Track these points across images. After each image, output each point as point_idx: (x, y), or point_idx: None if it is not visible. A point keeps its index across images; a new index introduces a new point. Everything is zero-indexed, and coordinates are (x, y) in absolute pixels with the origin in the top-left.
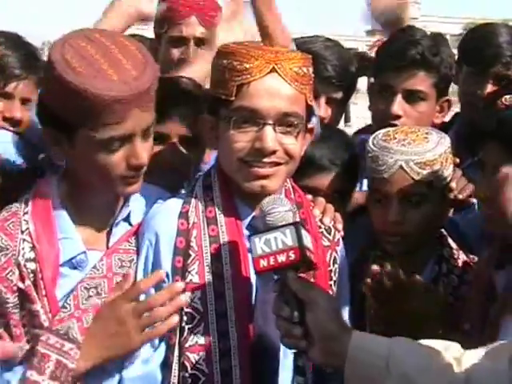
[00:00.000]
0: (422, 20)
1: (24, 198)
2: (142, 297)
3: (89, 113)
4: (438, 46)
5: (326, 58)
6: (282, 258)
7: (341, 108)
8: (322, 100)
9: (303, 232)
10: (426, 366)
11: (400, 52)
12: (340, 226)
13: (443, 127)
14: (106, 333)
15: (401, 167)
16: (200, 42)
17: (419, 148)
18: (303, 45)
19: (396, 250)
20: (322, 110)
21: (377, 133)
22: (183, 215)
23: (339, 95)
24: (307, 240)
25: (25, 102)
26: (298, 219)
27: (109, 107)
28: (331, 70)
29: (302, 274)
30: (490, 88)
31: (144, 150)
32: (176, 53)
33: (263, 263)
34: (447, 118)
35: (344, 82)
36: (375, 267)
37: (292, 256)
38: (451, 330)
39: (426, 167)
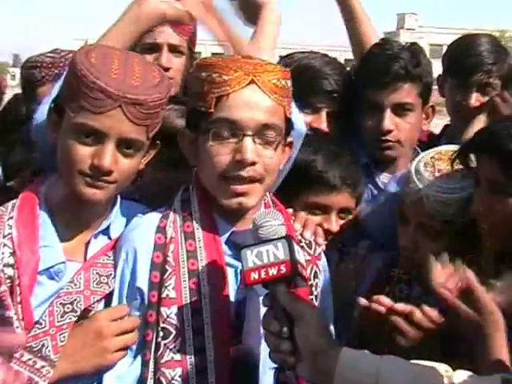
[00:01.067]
0: (418, 31)
1: (11, 203)
2: None
3: (75, 92)
4: (418, 56)
5: (327, 72)
6: (273, 271)
7: (340, 122)
8: (323, 114)
9: (295, 246)
10: (414, 383)
11: (383, 68)
12: (321, 241)
13: (432, 139)
14: (82, 344)
15: (421, 198)
16: (174, 49)
17: (447, 185)
18: (302, 60)
19: (408, 272)
20: (324, 124)
21: (428, 152)
22: (160, 230)
23: (339, 109)
24: (299, 255)
25: None
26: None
27: (91, 93)
28: (334, 83)
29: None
30: (474, 97)
31: (114, 159)
32: (149, 59)
33: (254, 276)
34: (437, 131)
35: (343, 96)
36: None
37: (283, 269)
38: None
39: (445, 206)
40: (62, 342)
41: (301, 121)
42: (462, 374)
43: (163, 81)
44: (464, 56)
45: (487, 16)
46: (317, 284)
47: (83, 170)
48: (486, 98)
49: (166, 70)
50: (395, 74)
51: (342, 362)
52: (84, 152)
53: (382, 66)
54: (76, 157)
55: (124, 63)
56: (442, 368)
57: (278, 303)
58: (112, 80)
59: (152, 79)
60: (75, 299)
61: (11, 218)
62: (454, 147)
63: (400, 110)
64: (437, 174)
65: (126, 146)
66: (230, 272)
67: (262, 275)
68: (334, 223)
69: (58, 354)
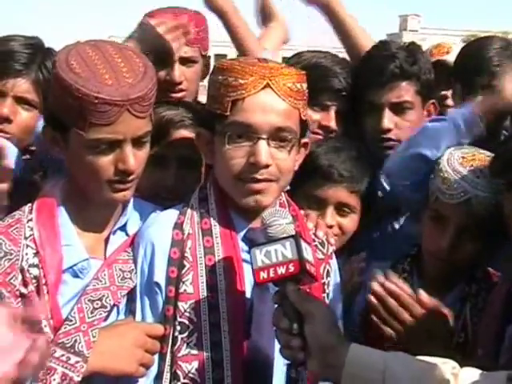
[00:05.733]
0: (421, 32)
1: (27, 205)
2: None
3: (79, 112)
4: (414, 55)
5: (336, 71)
6: (281, 270)
7: (347, 122)
8: (332, 111)
9: (303, 244)
10: (421, 379)
11: (379, 68)
12: (332, 240)
13: None
14: (118, 346)
15: (469, 199)
16: (185, 61)
17: (493, 185)
18: (311, 59)
19: (434, 271)
20: (333, 122)
21: (453, 150)
22: (178, 226)
23: (347, 108)
24: (307, 252)
25: (21, 101)
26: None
27: (97, 108)
28: (343, 82)
29: (302, 287)
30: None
31: (134, 157)
32: (162, 74)
33: (263, 275)
34: None
35: (351, 96)
36: (376, 286)
37: (291, 268)
38: (466, 357)
39: (493, 205)
40: (94, 337)
41: None
42: (469, 371)
43: (147, 64)
44: (469, 61)
45: (491, 17)
46: (329, 282)
47: (110, 178)
48: None
49: (180, 83)
50: (391, 73)
51: (350, 358)
52: (105, 162)
53: (378, 65)
54: (99, 168)
55: (106, 61)
56: (450, 365)
57: (287, 301)
58: (110, 88)
59: (138, 68)
60: (103, 295)
61: (30, 220)
62: (475, 148)
63: (399, 108)
64: (479, 175)
65: (139, 140)
66: (246, 268)
67: (271, 274)
68: (329, 217)
69: (90, 349)
